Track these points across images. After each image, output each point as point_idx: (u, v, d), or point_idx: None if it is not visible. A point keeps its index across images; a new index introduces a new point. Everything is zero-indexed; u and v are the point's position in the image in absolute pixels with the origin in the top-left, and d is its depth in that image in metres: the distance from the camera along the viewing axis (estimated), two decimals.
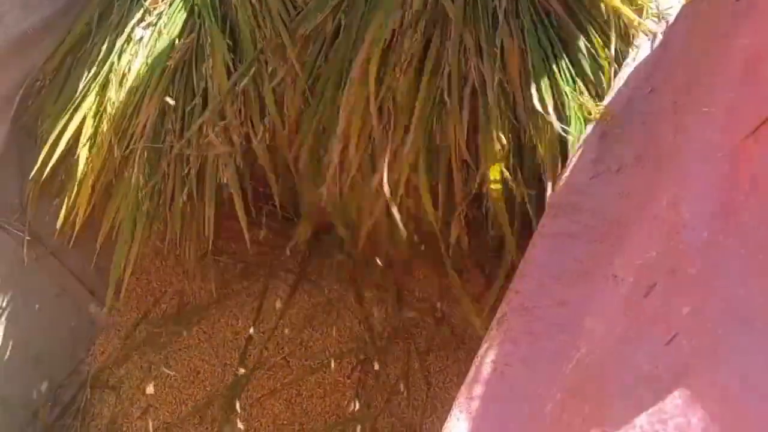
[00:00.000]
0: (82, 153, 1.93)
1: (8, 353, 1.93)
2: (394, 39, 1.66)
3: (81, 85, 1.98)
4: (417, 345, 2.07)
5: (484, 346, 1.24)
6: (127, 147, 1.88)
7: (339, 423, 2.03)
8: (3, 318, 1.95)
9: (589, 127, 1.50)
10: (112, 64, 1.96)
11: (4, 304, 1.96)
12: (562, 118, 1.55)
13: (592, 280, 0.95)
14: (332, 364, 2.08)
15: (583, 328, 0.64)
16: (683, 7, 1.49)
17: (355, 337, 2.11)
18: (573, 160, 1.46)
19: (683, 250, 0.56)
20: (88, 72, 1.99)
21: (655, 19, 1.61)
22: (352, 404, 2.03)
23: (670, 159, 0.67)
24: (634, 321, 0.57)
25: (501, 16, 1.62)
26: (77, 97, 1.96)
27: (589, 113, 1.53)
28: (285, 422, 2.06)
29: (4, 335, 1.93)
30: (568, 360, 0.63)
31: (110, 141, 1.89)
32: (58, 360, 2.10)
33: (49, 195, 2.03)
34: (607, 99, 1.51)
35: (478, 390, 1.16)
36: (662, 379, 0.42)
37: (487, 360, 1.20)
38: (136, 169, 1.87)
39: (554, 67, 1.60)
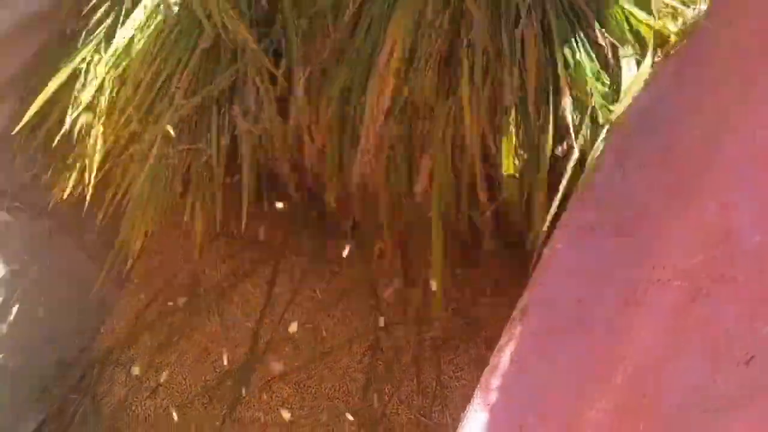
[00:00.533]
0: (95, 124, 1.91)
1: (18, 329, 1.93)
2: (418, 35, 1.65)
3: (85, 56, 1.96)
4: (428, 333, 2.07)
5: (505, 337, 1.23)
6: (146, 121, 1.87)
7: (349, 408, 2.03)
8: (14, 294, 1.96)
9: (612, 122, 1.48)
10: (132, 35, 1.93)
11: (15, 281, 1.96)
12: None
13: (623, 281, 0.94)
14: (343, 349, 2.08)
15: (628, 336, 0.62)
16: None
17: (366, 323, 2.10)
18: (597, 153, 1.45)
19: (733, 256, 0.55)
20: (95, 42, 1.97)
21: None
22: (362, 390, 2.03)
23: (713, 159, 0.65)
24: (683, 330, 0.56)
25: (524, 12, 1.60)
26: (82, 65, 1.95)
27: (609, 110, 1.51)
28: (294, 406, 2.07)
29: (15, 311, 1.94)
30: (607, 366, 0.60)
31: (128, 113, 1.87)
32: (69, 337, 2.11)
33: (61, 170, 2.02)
34: (632, 95, 1.49)
35: (497, 382, 1.16)
36: (733, 401, 0.41)
37: (507, 352, 1.19)
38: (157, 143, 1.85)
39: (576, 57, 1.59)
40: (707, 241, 0.61)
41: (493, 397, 1.12)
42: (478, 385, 1.12)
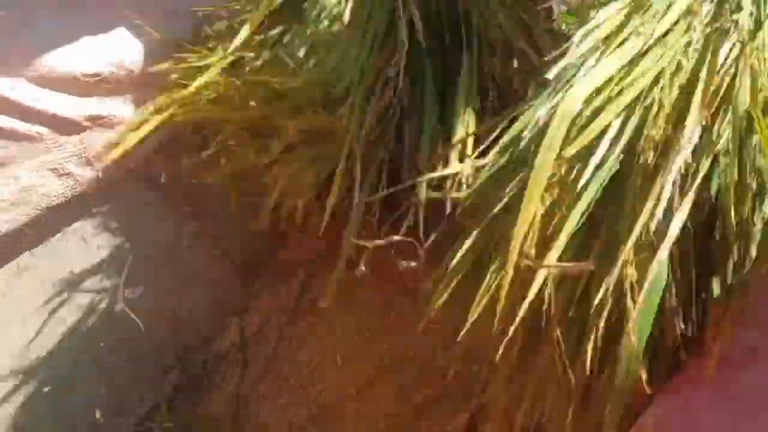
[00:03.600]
0: None
1: (144, 312, 1.98)
2: None
3: None
4: None
5: None
6: None
7: None
8: (142, 272, 2.01)
9: None
10: None
11: (143, 267, 2.02)
12: None
13: None
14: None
15: None
16: None
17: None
18: None
19: None
20: None
21: None
22: None
23: None
24: None
25: None
26: None
27: None
28: None
29: (143, 291, 1.99)
30: None
31: None
32: (194, 327, 2.13)
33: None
34: None
35: None
36: None
37: None
38: None
39: None
40: None
41: None
42: None
